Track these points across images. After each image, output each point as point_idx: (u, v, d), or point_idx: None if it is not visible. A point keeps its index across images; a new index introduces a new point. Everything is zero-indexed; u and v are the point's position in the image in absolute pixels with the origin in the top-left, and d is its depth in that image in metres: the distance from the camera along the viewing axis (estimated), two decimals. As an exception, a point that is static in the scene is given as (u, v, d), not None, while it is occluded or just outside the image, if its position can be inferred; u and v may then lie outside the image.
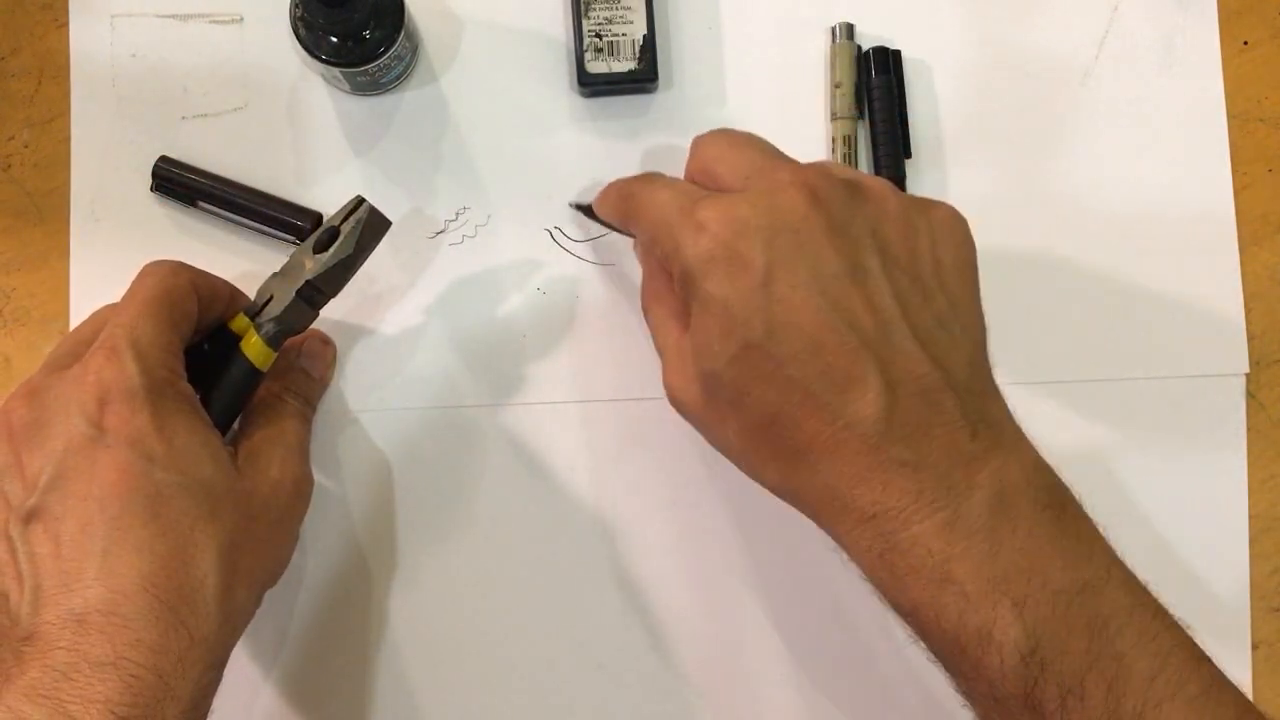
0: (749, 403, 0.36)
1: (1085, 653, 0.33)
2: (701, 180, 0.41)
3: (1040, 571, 0.34)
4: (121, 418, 0.38)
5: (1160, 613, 0.35)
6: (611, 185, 0.45)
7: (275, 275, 0.44)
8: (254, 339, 0.43)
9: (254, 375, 0.43)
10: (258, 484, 0.41)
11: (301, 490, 0.44)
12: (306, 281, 0.43)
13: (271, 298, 0.44)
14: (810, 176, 0.38)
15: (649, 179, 0.43)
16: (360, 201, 0.44)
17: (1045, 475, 0.36)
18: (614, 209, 0.44)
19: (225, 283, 0.45)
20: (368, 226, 0.43)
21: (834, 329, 0.35)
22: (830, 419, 0.35)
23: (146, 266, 0.43)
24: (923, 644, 0.36)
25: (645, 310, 0.43)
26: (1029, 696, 0.33)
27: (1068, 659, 0.33)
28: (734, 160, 0.40)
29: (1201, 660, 0.35)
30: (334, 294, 0.44)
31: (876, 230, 0.37)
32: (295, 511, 0.44)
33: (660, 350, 0.42)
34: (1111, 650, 0.33)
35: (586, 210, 0.48)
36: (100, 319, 0.43)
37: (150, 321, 0.40)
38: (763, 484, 0.39)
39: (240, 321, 0.44)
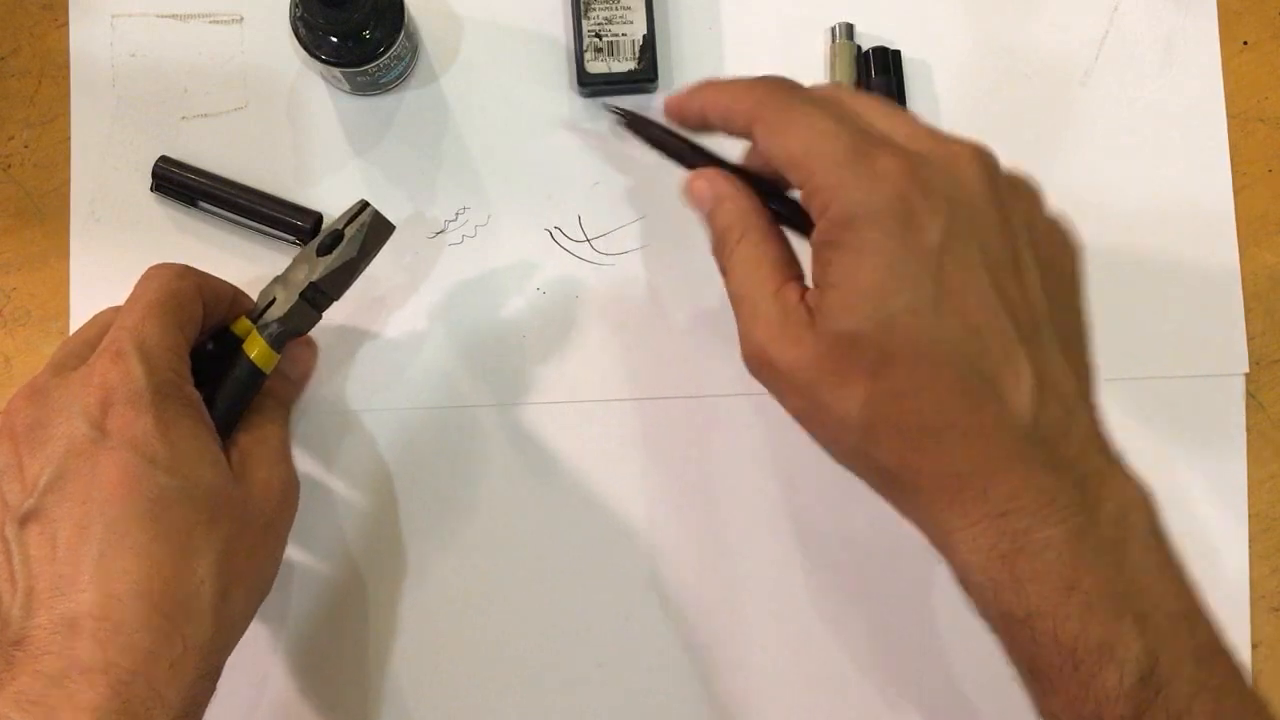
0: (891, 371, 0.34)
1: (1192, 680, 0.33)
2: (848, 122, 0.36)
3: (1156, 593, 0.34)
4: (125, 420, 0.38)
5: (1231, 652, 0.35)
6: (713, 82, 0.40)
7: (278, 279, 0.45)
8: (258, 341, 0.43)
9: (257, 377, 0.43)
10: (249, 489, 0.41)
11: (289, 493, 0.43)
12: (310, 283, 0.43)
13: (274, 300, 0.44)
14: (986, 155, 0.36)
15: (788, 90, 0.38)
16: (365, 205, 0.44)
17: (1152, 501, 0.36)
18: (727, 106, 0.39)
19: (229, 285, 0.45)
20: (371, 230, 0.43)
21: (997, 315, 0.34)
22: (979, 405, 0.33)
23: (151, 269, 0.42)
24: (1015, 659, 0.35)
25: (730, 248, 0.39)
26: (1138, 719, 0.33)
27: (1179, 684, 0.33)
28: (896, 117, 0.37)
29: (1263, 706, 0.35)
30: (337, 296, 0.44)
31: (1032, 227, 0.36)
32: (284, 516, 0.43)
33: (744, 297, 0.38)
34: (1213, 682, 0.33)
35: (631, 118, 0.45)
36: (105, 320, 0.43)
37: (156, 324, 0.40)
38: (866, 460, 0.36)
39: (242, 324, 0.44)
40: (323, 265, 0.43)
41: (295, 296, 0.43)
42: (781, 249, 0.38)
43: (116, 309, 0.42)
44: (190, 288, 0.42)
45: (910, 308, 0.33)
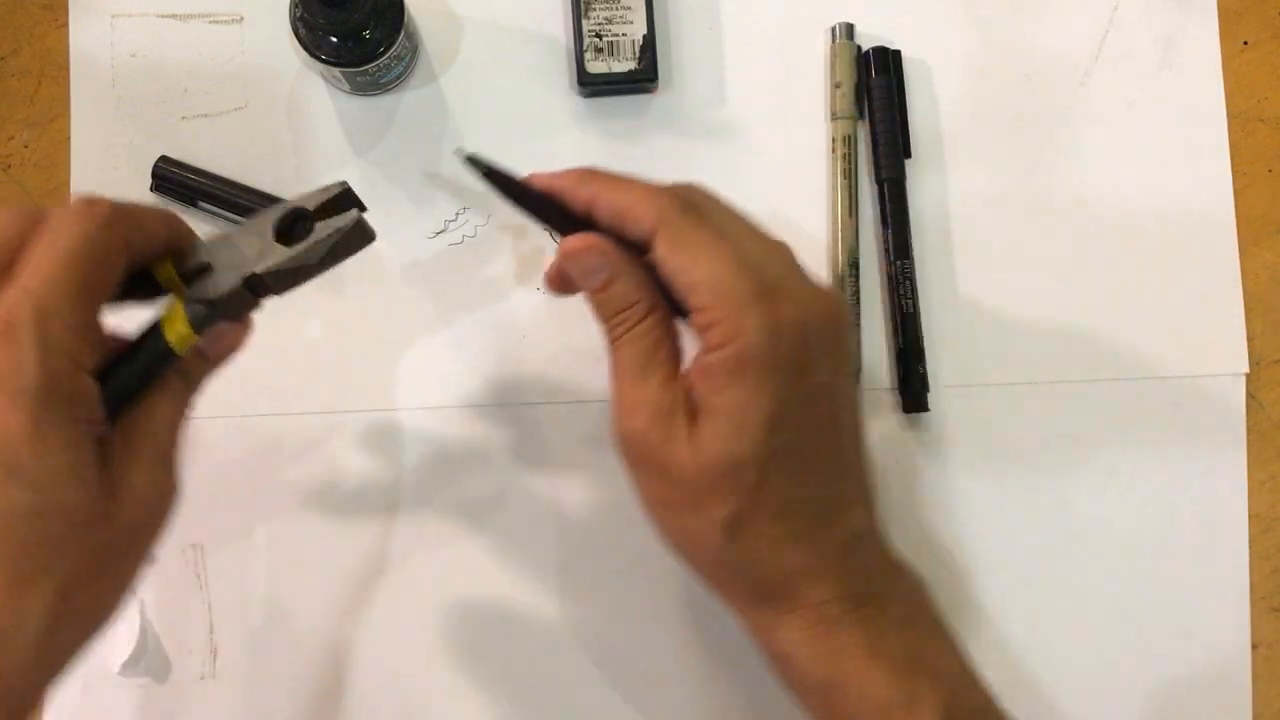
0: (766, 494, 0.37)
1: None
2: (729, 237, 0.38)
3: (943, 657, 0.40)
4: None
5: (1005, 713, 0.41)
6: (599, 175, 0.40)
7: (224, 238, 0.37)
8: (179, 319, 0.36)
9: (169, 358, 0.36)
10: (117, 500, 0.35)
11: (161, 505, 0.37)
12: (255, 273, 0.36)
13: (210, 270, 0.36)
14: (846, 308, 0.42)
15: (693, 209, 0.38)
16: (346, 194, 0.37)
17: (927, 587, 0.42)
18: (626, 207, 0.38)
19: (162, 222, 0.37)
20: (345, 238, 0.36)
21: (851, 445, 0.40)
22: (829, 523, 0.39)
23: (77, 205, 0.35)
24: None
25: (629, 325, 0.39)
26: None
27: None
28: (780, 255, 0.39)
29: None
30: (282, 294, 0.37)
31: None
32: (149, 531, 0.37)
33: (633, 379, 0.39)
34: None
35: (488, 170, 0.41)
36: (20, 227, 0.34)
37: (64, 289, 0.33)
38: (717, 557, 0.39)
39: (168, 273, 0.36)
40: (275, 256, 0.36)
41: (237, 281, 0.36)
42: (675, 339, 0.39)
43: (43, 213, 0.34)
44: (116, 241, 0.35)
45: (792, 443, 0.37)
